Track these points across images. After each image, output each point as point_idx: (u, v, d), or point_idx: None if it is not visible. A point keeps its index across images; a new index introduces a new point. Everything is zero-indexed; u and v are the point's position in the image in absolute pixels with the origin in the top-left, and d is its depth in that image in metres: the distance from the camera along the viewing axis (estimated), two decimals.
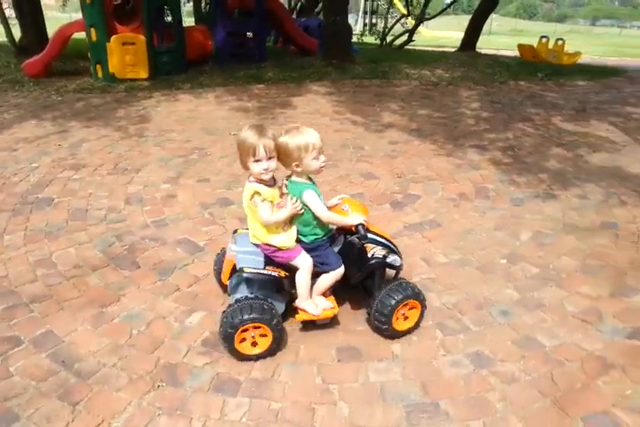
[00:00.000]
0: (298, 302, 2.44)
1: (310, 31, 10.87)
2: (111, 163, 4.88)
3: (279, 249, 2.33)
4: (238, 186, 4.25)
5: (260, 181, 2.25)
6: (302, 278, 2.37)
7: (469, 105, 7.03)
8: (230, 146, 5.38)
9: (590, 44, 24.65)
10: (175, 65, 8.07)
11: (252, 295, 2.38)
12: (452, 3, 12.49)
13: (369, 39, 14.93)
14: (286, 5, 14.42)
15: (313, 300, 2.45)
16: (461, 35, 12.00)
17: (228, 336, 2.24)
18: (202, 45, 8.75)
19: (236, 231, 2.60)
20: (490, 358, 2.36)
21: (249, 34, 9.44)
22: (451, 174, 4.71)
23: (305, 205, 2.31)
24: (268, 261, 2.37)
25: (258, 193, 2.23)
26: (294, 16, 13.64)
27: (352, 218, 2.36)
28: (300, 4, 14.30)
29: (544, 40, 10.85)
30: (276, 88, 7.54)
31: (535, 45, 10.86)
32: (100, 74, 7.73)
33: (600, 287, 2.93)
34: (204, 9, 9.50)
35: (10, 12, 10.16)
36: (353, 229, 2.34)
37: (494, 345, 2.44)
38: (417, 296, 2.45)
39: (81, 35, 7.94)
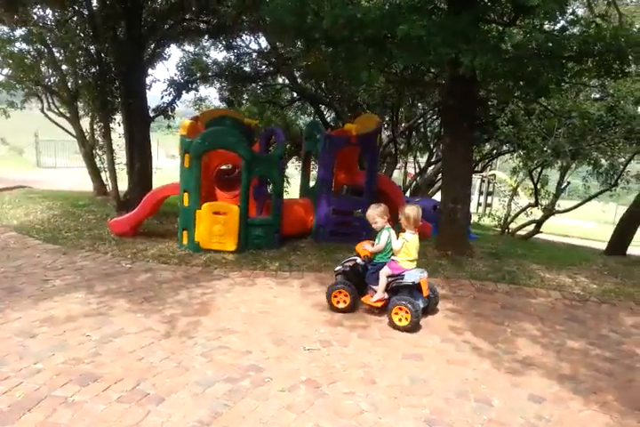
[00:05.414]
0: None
1: (424, 213, 9.80)
2: (133, 379, 3.53)
3: None
4: None
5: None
6: None
7: None
8: (299, 369, 3.85)
9: None
10: (267, 239, 7.13)
11: None
12: (594, 195, 10.86)
13: (486, 221, 13.73)
14: (400, 183, 13.94)
15: None
16: (588, 225, 10.37)
17: None
18: (302, 220, 7.88)
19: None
20: None
21: (357, 212, 8.54)
22: None
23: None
24: None
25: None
26: (407, 195, 12.98)
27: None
28: (415, 182, 13.75)
29: None
30: None
31: None
32: (185, 241, 6.94)
33: None
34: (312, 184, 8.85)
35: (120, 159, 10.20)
36: None
37: None
38: None
39: None
